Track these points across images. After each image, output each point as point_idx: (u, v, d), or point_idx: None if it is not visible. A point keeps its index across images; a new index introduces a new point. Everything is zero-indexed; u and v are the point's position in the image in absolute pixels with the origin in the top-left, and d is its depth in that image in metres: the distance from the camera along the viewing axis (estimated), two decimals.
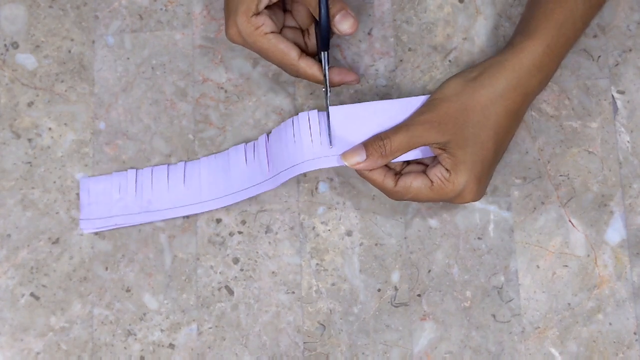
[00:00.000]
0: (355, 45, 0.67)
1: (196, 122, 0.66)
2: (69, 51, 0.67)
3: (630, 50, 0.66)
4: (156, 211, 0.64)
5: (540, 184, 0.65)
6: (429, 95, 0.60)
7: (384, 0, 0.67)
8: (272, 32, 0.60)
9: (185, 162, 0.65)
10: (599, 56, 0.66)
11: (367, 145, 0.59)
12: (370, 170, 0.59)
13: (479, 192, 0.59)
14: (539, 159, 0.65)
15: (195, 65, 0.67)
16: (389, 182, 0.60)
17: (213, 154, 0.66)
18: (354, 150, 0.59)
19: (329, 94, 0.61)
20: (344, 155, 0.59)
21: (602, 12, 0.66)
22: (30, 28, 0.68)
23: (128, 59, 0.67)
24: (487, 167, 0.59)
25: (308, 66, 0.60)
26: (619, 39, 0.66)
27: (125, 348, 0.64)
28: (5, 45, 0.68)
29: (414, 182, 0.59)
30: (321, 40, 0.60)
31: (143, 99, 0.67)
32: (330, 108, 0.60)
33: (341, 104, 0.65)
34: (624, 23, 0.66)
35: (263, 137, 0.65)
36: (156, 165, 0.66)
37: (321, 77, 0.61)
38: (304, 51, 0.62)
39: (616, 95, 0.66)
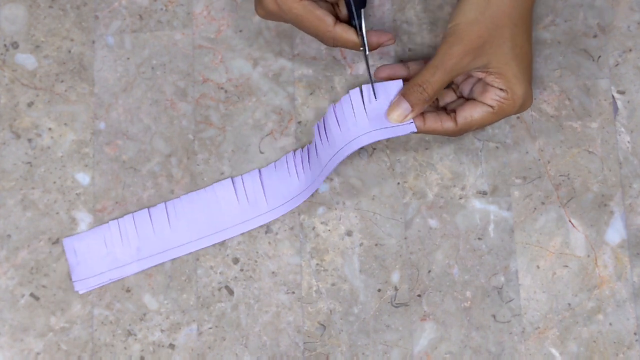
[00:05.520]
0: None
1: (196, 122, 0.66)
2: (69, 51, 0.67)
3: (630, 50, 0.66)
4: (148, 257, 0.64)
5: (541, 184, 0.65)
6: None
7: (384, 0, 0.67)
8: None
9: (166, 202, 0.64)
10: (599, 56, 0.66)
11: (407, 95, 0.59)
12: (425, 126, 0.60)
13: (532, 95, 0.60)
14: (539, 159, 0.65)
15: (195, 66, 0.67)
16: (449, 124, 0.60)
17: (194, 190, 0.65)
18: (396, 106, 0.59)
19: (368, 52, 0.61)
20: (390, 115, 0.59)
21: (602, 12, 0.66)
22: (30, 28, 0.68)
23: (128, 59, 0.67)
24: (530, 69, 0.59)
25: (344, 31, 0.60)
26: (619, 39, 0.66)
27: (125, 348, 0.64)
28: (5, 45, 0.68)
29: (474, 114, 0.59)
30: None
31: (143, 99, 0.67)
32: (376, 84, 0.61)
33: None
34: (624, 23, 0.66)
35: (255, 172, 0.64)
36: (137, 211, 0.64)
37: (358, 41, 0.60)
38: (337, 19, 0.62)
39: (616, 95, 0.65)
